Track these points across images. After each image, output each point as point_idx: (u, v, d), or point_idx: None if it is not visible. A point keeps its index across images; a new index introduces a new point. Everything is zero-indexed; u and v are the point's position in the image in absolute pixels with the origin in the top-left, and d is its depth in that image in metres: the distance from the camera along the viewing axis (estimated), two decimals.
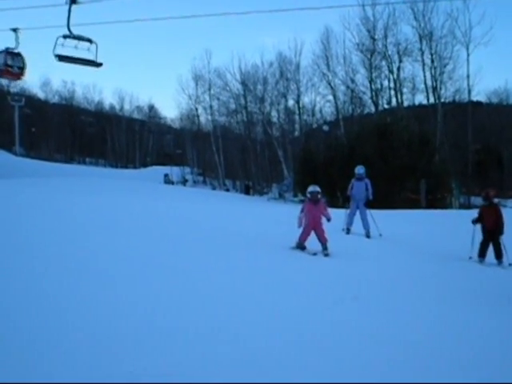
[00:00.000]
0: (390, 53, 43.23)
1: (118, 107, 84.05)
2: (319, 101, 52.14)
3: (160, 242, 8.02)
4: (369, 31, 43.55)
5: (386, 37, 42.92)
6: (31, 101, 70.65)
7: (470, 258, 9.39)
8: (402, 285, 6.68)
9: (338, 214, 11.13)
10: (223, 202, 27.72)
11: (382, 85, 44.65)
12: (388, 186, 26.93)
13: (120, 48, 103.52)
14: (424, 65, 41.90)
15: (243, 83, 56.34)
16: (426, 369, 3.53)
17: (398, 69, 43.12)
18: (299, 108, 53.31)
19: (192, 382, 3.01)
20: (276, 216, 15.97)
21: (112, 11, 68.19)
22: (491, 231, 9.37)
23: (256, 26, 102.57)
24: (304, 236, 8.66)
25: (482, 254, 9.40)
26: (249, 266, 6.77)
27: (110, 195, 20.52)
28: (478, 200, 27.99)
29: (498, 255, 9.29)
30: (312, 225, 8.63)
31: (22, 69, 14.39)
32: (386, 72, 44.02)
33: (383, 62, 43.93)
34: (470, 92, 40.63)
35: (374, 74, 44.11)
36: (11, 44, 13.89)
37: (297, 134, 55.81)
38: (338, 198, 28.45)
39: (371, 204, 11.97)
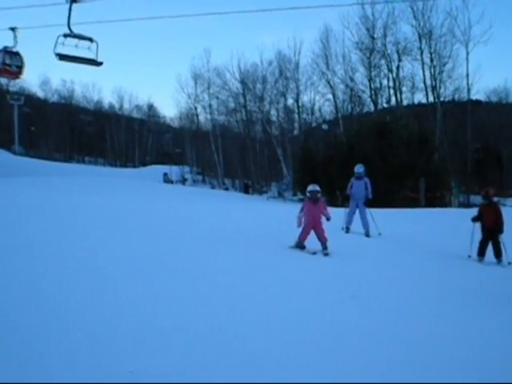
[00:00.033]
0: (389, 52, 43.33)
1: (117, 106, 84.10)
2: (318, 99, 52.25)
3: (160, 241, 8.01)
4: (368, 30, 43.60)
5: (385, 36, 42.99)
6: (30, 100, 70.65)
7: (469, 256, 9.41)
8: (401, 284, 6.69)
9: (337, 213, 11.13)
10: (222, 201, 27.71)
11: (381, 84, 44.74)
12: (387, 185, 26.94)
13: (119, 47, 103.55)
14: (423, 64, 41.98)
15: (242, 82, 56.42)
16: (426, 369, 3.53)
17: (398, 68, 43.19)
18: (298, 107, 53.43)
19: (192, 382, 3.01)
20: (275, 215, 15.97)
21: (111, 10, 68.14)
22: (491, 230, 9.38)
23: (255, 24, 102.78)
24: (303, 235, 8.65)
25: (482, 252, 9.42)
26: (248, 266, 6.77)
27: (109, 194, 20.53)
28: (477, 199, 28.03)
29: (498, 254, 9.31)
30: (312, 224, 8.62)
31: (20, 68, 14.39)
32: (386, 71, 44.12)
33: (382, 61, 44.01)
34: (469, 91, 40.70)
35: (373, 73, 44.17)
36: (10, 43, 13.89)
37: (296, 132, 55.85)
38: (337, 196, 28.42)
39: (371, 203, 11.97)
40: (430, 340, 4.19)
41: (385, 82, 44.43)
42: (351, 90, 46.43)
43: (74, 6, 11.14)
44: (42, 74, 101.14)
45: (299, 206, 9.33)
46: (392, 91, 43.84)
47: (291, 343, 3.80)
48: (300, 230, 8.69)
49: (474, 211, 10.16)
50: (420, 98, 44.44)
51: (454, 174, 36.80)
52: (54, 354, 3.22)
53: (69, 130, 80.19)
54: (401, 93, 43.68)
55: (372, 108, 45.22)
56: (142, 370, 3.08)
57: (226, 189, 58.09)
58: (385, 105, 45.36)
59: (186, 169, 68.65)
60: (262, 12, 51.06)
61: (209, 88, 59.85)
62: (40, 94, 79.58)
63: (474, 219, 9.70)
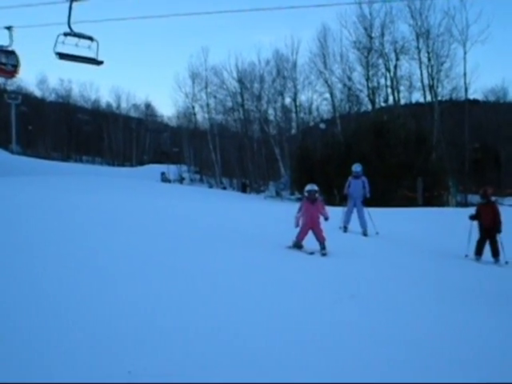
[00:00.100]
0: (386, 51, 43.24)
1: (114, 105, 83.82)
2: (316, 99, 52.08)
3: (158, 241, 8.02)
4: (366, 29, 43.50)
5: (382, 35, 42.89)
6: (28, 99, 70.37)
7: (466, 255, 9.44)
8: (399, 283, 6.70)
9: (335, 212, 11.15)
10: (220, 200, 27.70)
11: (378, 83, 44.65)
12: (385, 184, 27.01)
13: (117, 46, 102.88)
14: (421, 63, 41.89)
15: (240, 81, 56.33)
16: (426, 368, 3.54)
17: (395, 67, 43.09)
18: (296, 106, 53.30)
19: (192, 382, 3.01)
20: (273, 214, 15.98)
21: (107, 9, 67.83)
22: (488, 229, 9.42)
23: (253, 23, 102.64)
24: (301, 235, 8.63)
25: (479, 251, 9.45)
26: (247, 265, 6.77)
27: (107, 193, 20.50)
28: (474, 198, 28.08)
29: (495, 253, 9.34)
30: (310, 224, 8.60)
31: (15, 67, 14.34)
32: (383, 70, 44.00)
33: (380, 60, 43.90)
34: (466, 90, 40.66)
35: (370, 72, 44.08)
36: (6, 42, 13.84)
37: (294, 131, 55.76)
38: (334, 195, 28.47)
39: (368, 202, 11.99)
40: (430, 340, 4.20)
41: (382, 81, 44.39)
42: (349, 89, 46.38)
43: (74, 4, 11.09)
44: (40, 73, 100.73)
45: (297, 205, 9.32)
46: (389, 90, 43.82)
47: (291, 343, 3.81)
48: (298, 230, 8.68)
49: (472, 210, 10.19)
50: (417, 97, 44.48)
51: (452, 173, 36.85)
52: (54, 354, 3.22)
53: (66, 129, 79.94)
54: (398, 92, 43.69)
55: (370, 107, 45.20)
56: (141, 369, 3.08)
57: (224, 188, 58.02)
58: (382, 104, 45.30)
59: (184, 168, 68.48)
60: (260, 11, 51.18)
61: (206, 87, 59.74)
62: (37, 93, 79.38)
63: (472, 217, 9.73)
